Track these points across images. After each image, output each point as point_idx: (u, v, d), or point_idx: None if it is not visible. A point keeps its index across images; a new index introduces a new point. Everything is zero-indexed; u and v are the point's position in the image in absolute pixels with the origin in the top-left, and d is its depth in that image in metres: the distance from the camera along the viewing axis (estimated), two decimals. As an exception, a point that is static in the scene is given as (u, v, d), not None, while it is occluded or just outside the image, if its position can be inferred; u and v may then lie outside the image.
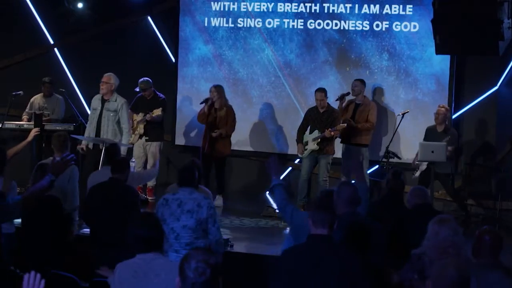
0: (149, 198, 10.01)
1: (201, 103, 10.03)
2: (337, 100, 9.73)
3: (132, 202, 6.33)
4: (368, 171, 10.15)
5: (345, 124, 9.51)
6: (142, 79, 10.08)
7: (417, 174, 9.36)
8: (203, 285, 3.21)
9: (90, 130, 9.62)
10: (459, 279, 3.45)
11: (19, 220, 6.37)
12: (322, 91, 9.72)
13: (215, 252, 5.86)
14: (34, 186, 4.73)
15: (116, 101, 9.56)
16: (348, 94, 9.81)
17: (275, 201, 5.64)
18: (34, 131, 8.87)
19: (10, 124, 10.36)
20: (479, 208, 9.91)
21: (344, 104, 9.77)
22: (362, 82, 9.91)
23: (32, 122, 10.14)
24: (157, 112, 9.85)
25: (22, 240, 6.23)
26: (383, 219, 6.11)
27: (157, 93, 10.15)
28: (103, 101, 9.61)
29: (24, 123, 10.42)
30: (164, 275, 4.20)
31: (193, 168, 6.08)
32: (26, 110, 10.53)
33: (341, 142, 9.87)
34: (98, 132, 9.52)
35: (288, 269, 4.24)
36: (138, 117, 10.04)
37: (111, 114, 9.52)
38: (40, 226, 6.12)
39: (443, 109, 9.39)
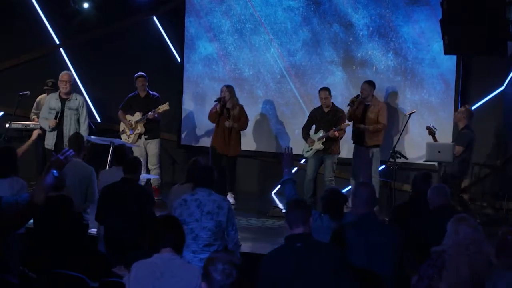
0: (155, 198, 10.00)
1: (215, 101, 10.02)
2: (348, 105, 9.70)
3: (146, 202, 6.33)
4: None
5: (349, 123, 9.51)
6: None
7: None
8: (231, 286, 3.20)
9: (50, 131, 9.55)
10: (474, 278, 3.43)
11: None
12: (326, 89, 9.73)
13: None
14: (40, 184, 4.72)
15: (76, 99, 9.59)
16: (358, 96, 9.76)
17: (285, 195, 5.66)
18: (36, 132, 8.93)
19: (17, 124, 10.39)
20: (485, 208, 9.90)
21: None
22: (370, 83, 9.84)
23: (39, 122, 10.16)
24: (164, 107, 9.88)
25: (32, 240, 6.22)
26: (408, 221, 6.02)
27: (150, 92, 10.16)
28: (63, 100, 9.58)
29: (30, 123, 10.44)
30: (180, 276, 4.22)
31: (212, 168, 6.08)
32: (33, 110, 10.54)
33: (353, 143, 9.85)
34: (60, 132, 9.46)
35: (271, 273, 4.27)
36: (135, 116, 10.05)
37: (74, 113, 9.54)
38: (51, 226, 6.11)
39: (461, 108, 9.38)
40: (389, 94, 10.51)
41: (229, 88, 9.98)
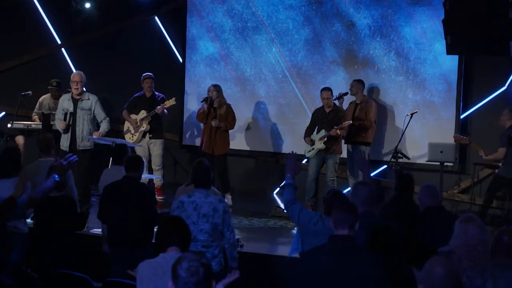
0: (158, 197, 10.01)
1: (202, 101, 10.07)
2: (335, 99, 9.79)
3: (148, 201, 6.32)
4: (376, 171, 10.17)
5: (350, 121, 9.54)
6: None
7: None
8: (196, 285, 3.17)
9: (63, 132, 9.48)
10: (448, 276, 3.37)
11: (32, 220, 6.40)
12: (328, 89, 9.77)
13: (230, 256, 5.88)
14: (40, 187, 4.77)
15: (89, 99, 9.48)
16: (346, 93, 9.91)
17: (283, 199, 5.63)
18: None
19: (19, 124, 10.39)
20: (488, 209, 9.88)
21: (343, 103, 9.85)
22: (359, 81, 10.01)
23: (40, 122, 10.18)
24: (171, 102, 9.89)
25: (36, 240, 6.22)
26: (395, 220, 6.06)
27: (156, 92, 10.17)
28: (75, 101, 9.49)
29: (32, 123, 10.45)
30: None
31: (209, 169, 6.06)
32: (35, 110, 10.55)
33: (344, 142, 9.89)
34: (73, 133, 9.39)
35: (308, 270, 4.21)
36: (140, 114, 10.07)
37: (88, 114, 9.45)
38: (54, 226, 6.12)
39: (505, 110, 9.36)
40: (391, 94, 10.51)
41: (216, 87, 10.02)
